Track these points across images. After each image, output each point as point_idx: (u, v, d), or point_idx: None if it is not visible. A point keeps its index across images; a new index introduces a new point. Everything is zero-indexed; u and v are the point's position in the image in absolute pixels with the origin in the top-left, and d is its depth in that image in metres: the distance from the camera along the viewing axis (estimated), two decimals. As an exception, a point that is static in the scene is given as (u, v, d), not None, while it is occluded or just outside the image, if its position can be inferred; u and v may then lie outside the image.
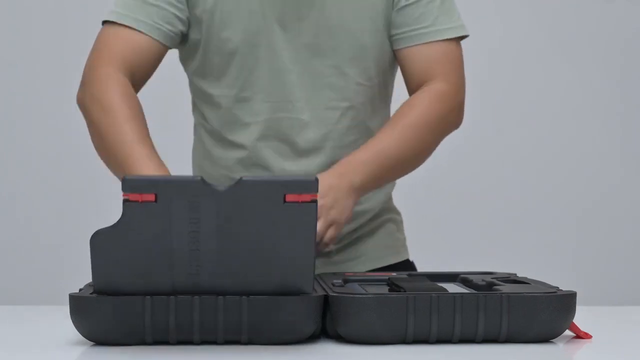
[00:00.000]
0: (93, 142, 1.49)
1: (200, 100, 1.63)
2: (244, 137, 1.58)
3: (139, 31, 1.52)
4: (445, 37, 1.58)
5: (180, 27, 1.55)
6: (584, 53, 3.05)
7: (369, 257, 1.65)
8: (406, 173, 1.57)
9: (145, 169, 1.38)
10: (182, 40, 1.59)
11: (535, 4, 3.04)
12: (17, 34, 2.95)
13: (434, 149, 1.58)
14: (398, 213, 1.74)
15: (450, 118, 1.58)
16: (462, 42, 1.64)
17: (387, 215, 1.69)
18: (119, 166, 1.42)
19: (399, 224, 1.73)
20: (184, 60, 1.63)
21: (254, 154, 1.58)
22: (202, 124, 1.64)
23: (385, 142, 1.50)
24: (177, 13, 1.54)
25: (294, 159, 1.58)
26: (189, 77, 1.65)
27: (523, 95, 3.05)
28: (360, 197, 1.49)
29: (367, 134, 1.60)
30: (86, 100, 1.50)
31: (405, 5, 1.57)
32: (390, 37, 1.59)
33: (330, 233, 1.41)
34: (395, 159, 1.51)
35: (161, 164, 1.41)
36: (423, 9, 1.57)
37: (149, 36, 1.52)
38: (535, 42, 3.04)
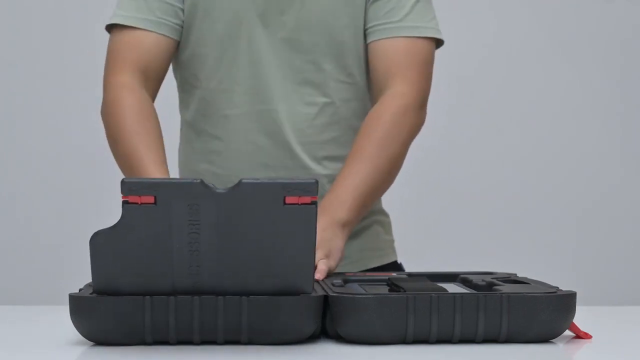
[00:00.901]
0: (113, 155, 1.52)
1: (184, 92, 1.63)
2: (224, 129, 1.58)
3: (145, 30, 1.53)
4: (411, 35, 1.55)
5: (183, 18, 1.57)
6: (584, 53, 3.05)
7: (353, 259, 1.64)
8: (385, 191, 1.57)
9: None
10: None
11: (535, 4, 3.04)
12: (17, 34, 2.95)
13: (405, 157, 1.56)
14: (386, 215, 1.74)
15: (414, 124, 1.55)
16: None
17: (373, 217, 1.68)
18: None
19: (386, 225, 1.72)
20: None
21: (233, 147, 1.58)
22: (185, 117, 1.65)
23: (361, 175, 1.48)
24: (178, 4, 1.56)
25: (273, 154, 1.58)
26: (175, 71, 1.65)
27: (523, 95, 3.05)
28: (350, 232, 1.47)
29: (350, 132, 1.60)
30: (104, 118, 1.53)
31: None
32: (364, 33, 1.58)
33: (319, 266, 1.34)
34: (372, 187, 1.49)
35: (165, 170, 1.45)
36: (395, 4, 1.56)
37: (156, 32, 1.54)
38: (535, 42, 3.04)
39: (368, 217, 1.66)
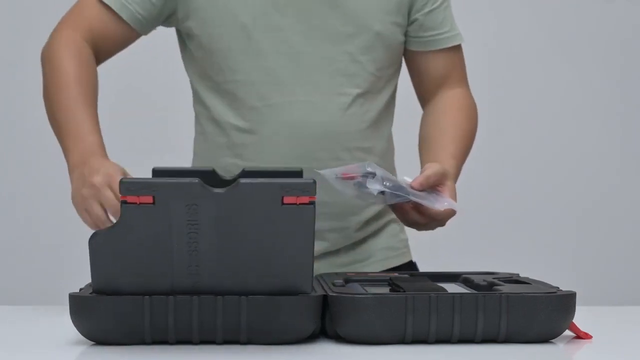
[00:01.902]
0: (44, 101, 1.53)
1: (204, 86, 1.61)
2: (253, 122, 1.56)
3: (109, 7, 1.56)
4: (460, 42, 1.67)
5: (154, 15, 1.57)
6: (584, 53, 3.05)
7: (377, 258, 1.65)
8: None
9: (80, 130, 1.45)
10: (181, 28, 1.59)
11: (535, 4, 3.04)
12: (17, 34, 2.95)
13: None
14: None
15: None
16: (463, 41, 1.67)
17: (389, 216, 1.68)
18: (58, 127, 1.49)
19: (401, 224, 1.72)
20: (185, 46, 1.62)
21: (263, 140, 1.56)
22: (205, 111, 1.62)
23: (461, 149, 1.61)
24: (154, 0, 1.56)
25: (305, 145, 1.55)
26: (189, 66, 1.63)
27: (523, 95, 3.05)
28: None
29: (374, 124, 1.61)
30: (43, 57, 1.56)
31: (432, 10, 1.63)
32: (413, 38, 1.63)
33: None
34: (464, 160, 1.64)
35: (94, 128, 1.46)
36: (444, 14, 1.65)
37: (117, 14, 1.56)
38: (535, 42, 3.04)
39: (385, 215, 1.66)
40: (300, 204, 1.07)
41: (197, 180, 1.07)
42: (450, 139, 1.60)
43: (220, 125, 1.60)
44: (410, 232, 1.77)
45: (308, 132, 1.56)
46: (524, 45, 3.03)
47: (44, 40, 1.59)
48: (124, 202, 1.07)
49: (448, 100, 1.65)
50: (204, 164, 1.63)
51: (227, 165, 1.57)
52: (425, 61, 1.66)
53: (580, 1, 3.04)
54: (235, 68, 1.56)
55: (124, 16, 1.56)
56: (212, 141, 1.61)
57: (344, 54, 1.56)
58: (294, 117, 1.55)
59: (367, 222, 1.65)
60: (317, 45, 1.55)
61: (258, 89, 1.55)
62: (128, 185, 1.07)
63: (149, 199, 1.06)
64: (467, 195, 2.99)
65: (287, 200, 1.07)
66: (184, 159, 1.73)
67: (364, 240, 1.65)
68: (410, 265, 1.72)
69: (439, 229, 1.48)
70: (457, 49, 1.68)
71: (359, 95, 1.58)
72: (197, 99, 1.64)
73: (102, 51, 1.58)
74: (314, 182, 1.08)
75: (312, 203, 1.08)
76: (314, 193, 1.08)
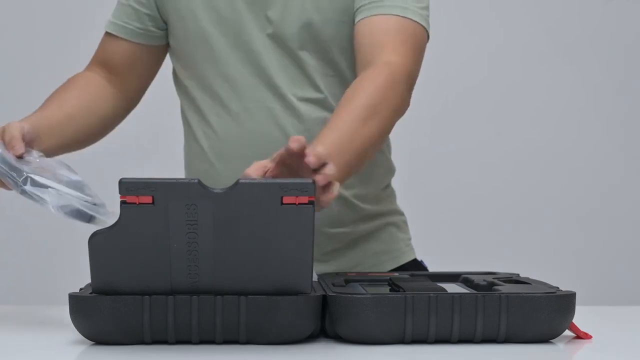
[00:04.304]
0: None
1: (182, 94, 1.62)
2: (219, 130, 1.56)
3: (112, 34, 1.61)
4: (402, 14, 1.47)
5: (150, 24, 1.59)
6: (586, 54, 3.05)
7: (368, 264, 1.62)
8: (372, 156, 1.43)
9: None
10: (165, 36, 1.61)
11: (537, 5, 3.04)
12: (17, 34, 2.95)
13: (390, 130, 1.45)
14: (401, 213, 1.71)
15: (400, 101, 1.43)
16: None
17: (385, 219, 1.65)
18: None
19: (400, 224, 1.69)
20: (170, 55, 1.64)
21: (229, 148, 1.56)
22: (186, 119, 1.62)
23: (348, 122, 1.34)
24: (143, 10, 1.58)
25: (268, 153, 1.53)
26: (175, 71, 1.64)
27: (525, 96, 3.05)
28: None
29: None
30: None
31: None
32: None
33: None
34: (361, 140, 1.35)
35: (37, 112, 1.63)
36: None
37: (119, 37, 1.60)
38: (537, 43, 3.04)
39: (379, 219, 1.64)
40: (299, 204, 1.07)
41: (196, 181, 1.07)
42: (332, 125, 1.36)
43: (196, 132, 1.60)
44: (415, 230, 1.76)
45: (278, 143, 1.52)
46: (526, 47, 3.03)
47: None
48: (123, 202, 1.07)
49: (362, 82, 1.42)
50: (188, 169, 1.65)
51: (200, 172, 1.57)
52: (356, 34, 1.49)
53: (582, 2, 3.04)
54: (200, 75, 1.57)
55: (126, 36, 1.60)
56: (189, 147, 1.63)
57: (296, 59, 1.53)
58: (264, 126, 1.54)
59: (355, 225, 1.61)
60: (274, 52, 1.53)
61: (221, 97, 1.55)
62: (127, 185, 1.07)
63: (148, 199, 1.06)
64: (467, 195, 3.01)
65: (286, 200, 1.07)
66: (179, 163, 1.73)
67: (351, 246, 1.62)
68: (415, 265, 1.68)
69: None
70: (395, 19, 1.47)
71: (320, 100, 1.54)
72: (181, 106, 1.65)
73: (123, 79, 1.62)
74: (313, 182, 1.08)
75: (311, 203, 1.08)
76: (313, 193, 1.08)
